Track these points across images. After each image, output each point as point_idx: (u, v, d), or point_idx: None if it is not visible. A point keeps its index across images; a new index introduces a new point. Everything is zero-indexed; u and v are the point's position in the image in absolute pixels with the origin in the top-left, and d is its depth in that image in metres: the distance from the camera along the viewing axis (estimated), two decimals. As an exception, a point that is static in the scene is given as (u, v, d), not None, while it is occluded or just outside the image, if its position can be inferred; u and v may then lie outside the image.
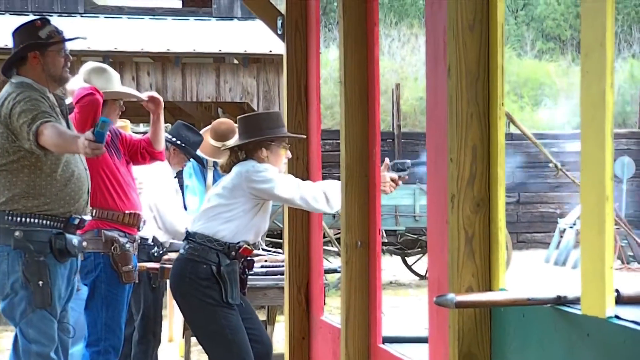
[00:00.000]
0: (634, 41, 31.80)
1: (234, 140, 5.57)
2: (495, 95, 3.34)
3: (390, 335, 4.74)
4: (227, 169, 5.36)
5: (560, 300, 2.99)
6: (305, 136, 5.45)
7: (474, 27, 3.36)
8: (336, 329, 5.03)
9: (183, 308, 5.31)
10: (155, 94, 5.89)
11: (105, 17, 13.27)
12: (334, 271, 6.41)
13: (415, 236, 15.29)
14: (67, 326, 5.02)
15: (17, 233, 4.78)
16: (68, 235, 4.86)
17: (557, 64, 31.79)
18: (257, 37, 11.92)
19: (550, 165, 3.94)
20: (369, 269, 4.70)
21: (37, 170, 4.82)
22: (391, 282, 15.07)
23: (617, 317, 2.74)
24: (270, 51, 11.30)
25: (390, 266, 15.54)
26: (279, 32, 5.61)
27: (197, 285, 5.15)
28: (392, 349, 4.51)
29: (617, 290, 2.85)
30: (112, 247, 5.70)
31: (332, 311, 9.82)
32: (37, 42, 4.89)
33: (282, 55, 5.71)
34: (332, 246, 13.44)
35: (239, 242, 5.20)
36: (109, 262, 5.70)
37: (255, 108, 11.56)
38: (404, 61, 30.40)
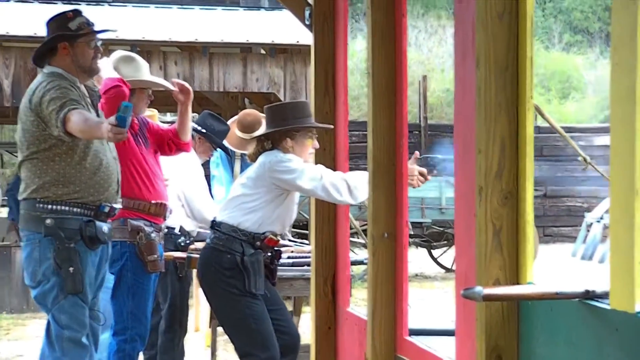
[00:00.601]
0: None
1: (260, 131, 5.58)
2: (524, 88, 3.31)
3: (417, 327, 4.73)
4: (254, 158, 5.35)
5: (589, 295, 2.97)
6: (332, 126, 5.43)
7: (503, 18, 3.34)
8: (362, 321, 5.02)
9: (209, 297, 5.32)
10: (185, 83, 5.90)
11: (134, 6, 13.31)
12: (360, 263, 6.40)
13: (441, 229, 15.27)
14: (98, 314, 5.07)
15: (48, 220, 4.84)
16: (98, 223, 4.92)
17: (585, 57, 31.61)
18: (284, 28, 11.92)
19: (579, 158, 3.93)
20: (396, 260, 4.69)
21: (68, 158, 4.87)
22: (417, 275, 15.05)
23: (646, 311, 2.72)
24: (298, 41, 11.29)
25: (416, 258, 15.52)
26: (307, 23, 5.60)
27: (221, 274, 5.16)
28: (419, 341, 4.50)
29: (646, 285, 2.83)
30: (138, 236, 5.72)
31: (357, 303, 9.82)
32: (66, 34, 4.94)
33: (309, 45, 5.70)
34: (358, 238, 13.43)
35: (264, 233, 5.21)
36: (135, 251, 5.73)
37: (282, 98, 11.55)
38: (430, 53, 30.30)
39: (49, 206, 4.85)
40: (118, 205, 5.10)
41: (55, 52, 4.99)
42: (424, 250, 15.64)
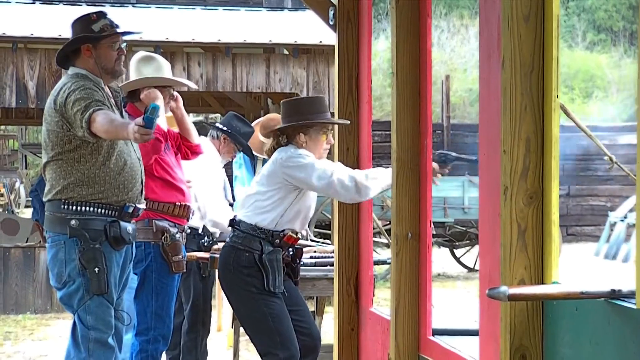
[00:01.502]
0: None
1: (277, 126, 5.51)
2: (550, 88, 3.31)
3: (440, 327, 4.73)
4: (270, 153, 5.31)
5: (615, 294, 2.96)
6: (348, 121, 5.37)
7: (529, 18, 3.34)
8: (385, 321, 5.03)
9: (228, 296, 5.30)
10: (175, 93, 5.91)
11: (157, 7, 13.34)
12: (383, 263, 6.40)
13: (464, 228, 15.26)
14: (122, 314, 5.08)
15: (73, 222, 4.86)
16: (123, 223, 4.92)
17: (608, 56, 31.48)
18: (307, 28, 11.92)
19: (605, 158, 3.90)
20: (419, 260, 4.69)
21: (92, 159, 4.88)
22: (439, 275, 15.03)
23: (672, 312, 2.72)
24: (321, 42, 11.29)
25: (438, 258, 15.50)
26: (331, 23, 5.60)
27: (239, 273, 5.13)
28: (442, 341, 4.49)
29: (672, 285, 2.82)
30: (163, 237, 5.74)
31: (380, 303, 9.82)
32: (87, 36, 4.95)
33: (332, 46, 5.70)
34: (380, 237, 13.43)
35: (283, 230, 5.17)
36: (159, 251, 5.75)
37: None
38: (453, 52, 30.27)
39: (74, 207, 4.87)
40: (142, 206, 5.09)
41: (79, 54, 5.01)
42: (447, 250, 15.62)
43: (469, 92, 27.27)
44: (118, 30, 5.03)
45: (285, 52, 12.09)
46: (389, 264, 5.53)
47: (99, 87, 4.94)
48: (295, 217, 5.22)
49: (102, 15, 5.03)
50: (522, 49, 3.33)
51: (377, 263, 6.11)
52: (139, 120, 4.40)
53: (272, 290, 5.09)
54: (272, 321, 5.10)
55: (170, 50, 11.33)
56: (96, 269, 4.83)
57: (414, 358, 4.69)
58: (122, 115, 5.05)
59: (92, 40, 4.96)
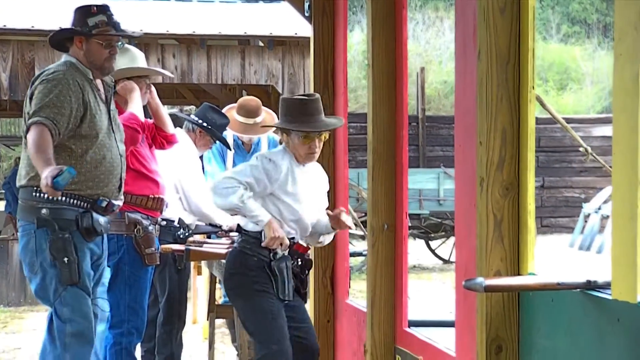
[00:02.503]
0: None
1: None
2: (526, 79, 3.31)
3: (416, 319, 4.73)
4: None
5: (590, 285, 2.97)
6: (328, 130, 4.98)
7: (504, 10, 3.34)
8: (361, 312, 5.03)
9: (232, 299, 5.04)
10: (127, 83, 5.83)
11: (132, -1, 13.28)
12: (359, 254, 6.40)
13: (439, 220, 15.30)
14: (96, 307, 5.04)
15: (43, 210, 4.79)
16: (95, 214, 4.87)
17: (582, 48, 31.62)
18: (282, 20, 11.90)
19: (581, 149, 3.91)
20: (395, 252, 4.70)
21: (67, 149, 4.82)
22: (414, 266, 15.06)
23: (648, 302, 2.73)
24: (296, 34, 11.27)
25: (413, 250, 15.52)
26: (306, 15, 5.59)
27: (245, 276, 4.90)
28: (418, 332, 4.50)
29: (647, 276, 2.83)
30: (135, 230, 5.71)
31: (355, 295, 9.83)
32: (79, 30, 4.89)
33: (307, 38, 5.69)
34: (356, 229, 13.43)
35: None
36: (132, 244, 5.72)
37: (280, 91, 11.55)
38: (428, 44, 30.31)
39: (46, 195, 4.78)
40: (118, 202, 5.03)
41: (72, 43, 4.95)
42: (422, 242, 15.66)
43: (443, 85, 27.31)
44: (115, 28, 4.93)
45: (261, 44, 12.07)
46: (364, 256, 5.52)
47: (86, 78, 4.87)
48: (287, 222, 4.94)
49: (102, 9, 4.94)
50: (498, 41, 3.34)
51: (352, 255, 6.11)
52: (53, 172, 4.33)
53: (281, 298, 4.87)
54: (270, 316, 4.84)
55: (144, 42, 11.27)
56: (65, 259, 4.77)
57: (390, 349, 4.70)
58: (109, 110, 5.00)
59: (83, 34, 4.89)
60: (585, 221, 16.44)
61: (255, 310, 4.87)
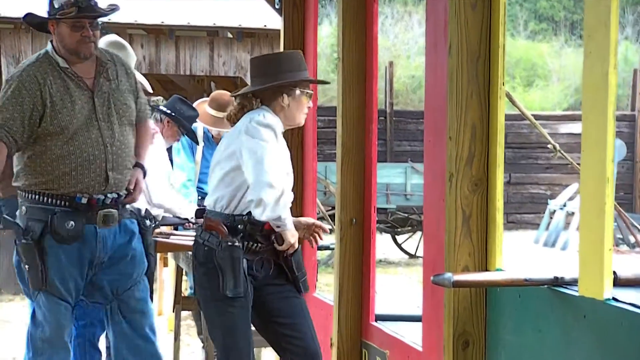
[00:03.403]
0: (627, 23, 31.79)
1: (248, 87, 4.55)
2: (496, 75, 3.32)
3: (383, 313, 4.74)
4: (235, 120, 4.42)
5: (558, 282, 2.99)
6: (329, 82, 4.79)
7: (476, 5, 3.34)
8: (328, 306, 5.03)
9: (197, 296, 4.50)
10: None
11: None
12: (327, 248, 6.39)
13: (406, 214, 15.32)
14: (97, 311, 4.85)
15: (23, 208, 4.61)
16: (62, 218, 4.53)
17: (549, 45, 31.77)
18: (251, 12, 11.86)
19: (549, 146, 3.92)
20: (363, 246, 4.70)
21: (36, 146, 4.58)
22: (381, 261, 15.09)
23: (614, 299, 2.74)
24: (265, 26, 11.25)
25: (380, 244, 15.54)
26: (277, 7, 5.58)
27: (197, 271, 4.35)
28: (385, 327, 4.51)
29: (614, 273, 2.85)
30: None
31: (322, 288, 9.83)
32: (43, 16, 4.63)
33: (277, 30, 5.69)
34: (324, 223, 13.44)
35: (249, 214, 4.23)
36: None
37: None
38: (397, 39, 30.34)
39: (24, 194, 4.62)
40: (112, 195, 4.63)
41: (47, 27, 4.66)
42: (388, 236, 15.67)
43: (411, 79, 27.35)
44: (81, 9, 4.54)
45: (230, 35, 12.03)
46: (332, 249, 5.51)
47: (55, 68, 4.58)
48: None
49: None
50: (469, 36, 3.34)
51: (320, 248, 6.10)
52: None
53: (227, 295, 4.19)
54: (221, 332, 4.27)
55: (112, 31, 11.19)
56: (26, 266, 4.55)
57: (356, 343, 4.70)
58: (93, 95, 4.61)
59: (47, 18, 4.59)
60: (551, 218, 16.52)
61: (211, 325, 4.36)
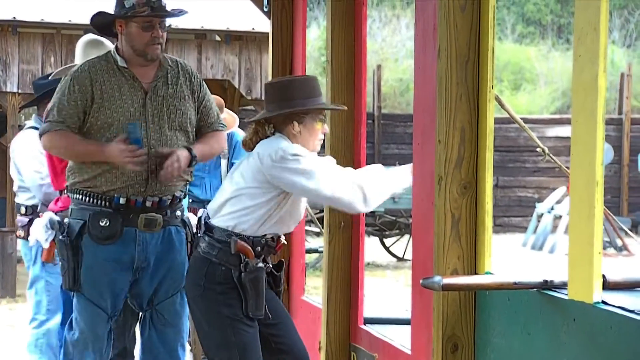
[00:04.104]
0: (614, 27, 31.90)
1: (262, 113, 4.45)
2: (485, 78, 3.32)
3: (370, 316, 4.74)
4: (251, 146, 4.34)
5: (547, 285, 2.99)
6: (345, 107, 4.58)
7: (465, 8, 3.34)
8: (317, 309, 5.02)
9: (192, 311, 4.40)
10: None
11: (87, -10, 13.16)
12: (315, 251, 6.40)
13: (394, 218, 15.32)
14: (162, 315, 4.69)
15: (70, 210, 4.57)
16: (97, 218, 4.47)
17: (537, 49, 31.85)
18: (239, 15, 11.85)
19: (538, 149, 3.90)
20: (352, 249, 4.70)
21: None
22: (369, 264, 15.08)
23: (604, 302, 2.75)
24: (253, 29, 11.24)
25: (368, 247, 15.53)
26: (265, 10, 5.58)
27: (211, 291, 4.24)
28: (374, 330, 4.50)
29: (603, 276, 2.86)
30: None
31: (309, 291, 9.81)
32: (117, 13, 4.57)
33: (264, 33, 5.68)
34: (311, 226, 13.43)
35: (264, 236, 4.24)
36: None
37: (237, 86, 11.50)
38: (384, 42, 30.37)
39: (74, 195, 4.56)
40: (153, 198, 4.52)
41: (114, 28, 4.62)
42: (376, 239, 15.68)
43: (399, 82, 27.38)
44: (154, 9, 4.52)
45: (217, 38, 12.02)
46: (320, 252, 5.50)
47: (112, 67, 4.56)
48: (283, 220, 4.29)
49: None
50: (459, 39, 3.34)
51: (308, 251, 6.11)
52: (122, 138, 4.25)
53: (249, 316, 4.22)
54: (237, 351, 4.23)
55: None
56: (64, 263, 4.50)
57: (345, 347, 4.70)
58: (145, 98, 4.56)
59: (121, 17, 4.54)
60: (538, 221, 16.56)
61: (220, 345, 4.26)
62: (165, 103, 4.59)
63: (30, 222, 6.14)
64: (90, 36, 5.91)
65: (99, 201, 4.49)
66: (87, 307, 4.53)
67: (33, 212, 6.10)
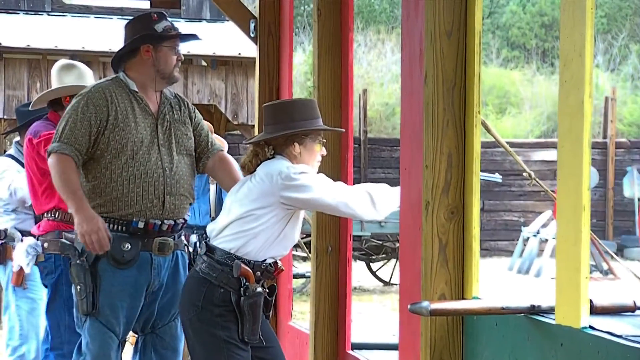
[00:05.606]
0: (598, 51, 32.08)
1: (261, 135, 4.49)
2: (472, 103, 3.34)
3: (357, 341, 4.73)
4: (251, 168, 4.35)
5: (534, 310, 2.99)
6: (344, 130, 4.72)
7: (451, 34, 3.36)
8: (304, 334, 5.01)
9: (186, 330, 4.34)
10: None
11: (73, 16, 13.16)
12: (302, 276, 6.39)
13: (380, 242, 15.31)
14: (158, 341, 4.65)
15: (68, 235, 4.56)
16: (120, 241, 4.43)
17: (522, 73, 32.01)
18: (225, 40, 11.89)
19: (524, 174, 3.92)
20: (339, 274, 4.69)
21: (96, 166, 4.52)
22: (355, 288, 15.07)
23: (591, 327, 2.75)
24: (239, 54, 11.27)
25: (354, 272, 15.54)
26: (252, 35, 5.60)
27: (208, 312, 4.21)
28: (361, 355, 4.50)
29: (590, 301, 2.86)
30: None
31: (296, 316, 9.80)
32: (151, 34, 4.60)
33: (251, 58, 5.71)
34: (297, 250, 13.42)
35: (265, 260, 4.23)
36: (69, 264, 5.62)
37: (223, 111, 11.52)
38: (370, 66, 30.48)
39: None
40: (169, 222, 4.53)
41: (136, 55, 4.63)
42: (363, 264, 15.67)
43: (385, 107, 27.46)
44: (180, 33, 4.68)
45: (204, 63, 12.04)
46: (307, 277, 5.50)
47: (124, 90, 4.60)
48: (282, 241, 4.28)
49: (163, 16, 4.66)
50: (445, 65, 3.36)
51: (295, 277, 6.10)
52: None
53: (244, 340, 4.19)
54: None
55: (86, 59, 11.16)
56: (78, 287, 4.45)
57: (332, 372, 4.69)
58: (156, 123, 4.60)
59: (155, 40, 4.59)
60: (524, 245, 16.59)
61: None
62: (173, 128, 4.64)
63: (1, 246, 6.15)
64: (64, 61, 5.92)
65: (116, 225, 4.46)
66: (101, 332, 4.48)
67: (6, 236, 6.09)
